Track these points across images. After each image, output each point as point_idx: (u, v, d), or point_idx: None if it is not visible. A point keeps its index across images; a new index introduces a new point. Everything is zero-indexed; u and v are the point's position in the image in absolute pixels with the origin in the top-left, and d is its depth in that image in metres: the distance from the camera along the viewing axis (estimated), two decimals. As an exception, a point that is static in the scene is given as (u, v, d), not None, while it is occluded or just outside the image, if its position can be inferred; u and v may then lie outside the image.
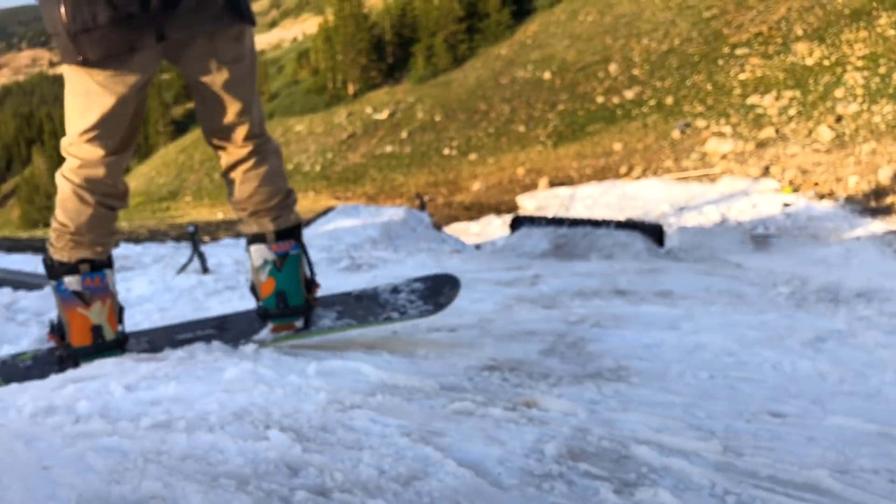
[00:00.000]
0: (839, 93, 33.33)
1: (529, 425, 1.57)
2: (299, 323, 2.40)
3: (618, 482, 1.28)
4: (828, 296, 4.33)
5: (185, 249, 10.59)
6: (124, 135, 2.08)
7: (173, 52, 2.05)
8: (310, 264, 2.42)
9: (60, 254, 2.15)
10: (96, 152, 2.05)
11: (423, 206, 21.94)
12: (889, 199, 22.50)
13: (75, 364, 2.13)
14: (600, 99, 45.88)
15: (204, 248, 5.58)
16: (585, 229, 9.13)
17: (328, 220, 15.76)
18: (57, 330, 2.22)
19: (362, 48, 62.45)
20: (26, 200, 79.98)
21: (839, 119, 31.03)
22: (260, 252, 2.31)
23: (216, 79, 2.08)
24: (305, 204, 45.21)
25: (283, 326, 2.39)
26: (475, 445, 1.36)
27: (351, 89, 63.17)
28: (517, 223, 9.68)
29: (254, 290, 2.40)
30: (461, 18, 60.67)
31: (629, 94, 44.64)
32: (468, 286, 4.95)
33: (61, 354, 2.20)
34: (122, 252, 9.04)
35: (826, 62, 37.19)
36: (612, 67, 48.57)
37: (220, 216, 42.58)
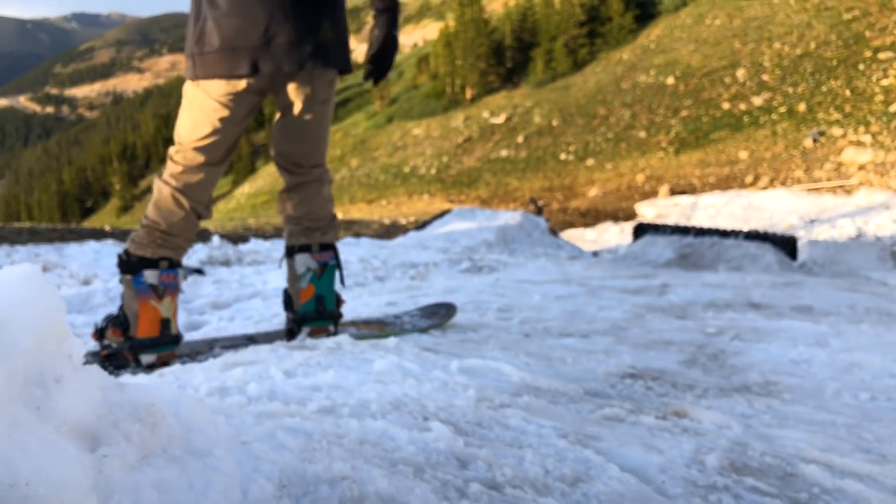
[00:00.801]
0: None
1: (685, 435, 1.52)
2: (332, 328, 2.56)
3: (788, 500, 1.21)
4: None
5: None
6: (225, 151, 2.36)
7: (274, 84, 2.36)
8: (342, 277, 2.63)
9: (144, 250, 2.31)
10: (199, 160, 2.32)
11: (539, 211, 21.79)
12: None
13: (136, 359, 2.29)
14: (726, 105, 44.10)
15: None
16: (713, 239, 8.77)
17: (444, 222, 15.92)
18: (121, 324, 2.33)
19: (482, 53, 62.81)
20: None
21: None
22: (304, 260, 2.53)
23: (305, 114, 2.40)
24: (420, 207, 45.92)
25: (319, 330, 2.53)
26: (634, 452, 1.33)
27: (469, 94, 63.68)
28: (640, 230, 9.43)
29: (288, 300, 2.61)
30: (582, 23, 59.92)
31: (757, 101, 42.67)
32: (594, 293, 4.88)
33: (112, 352, 2.33)
34: (252, 247, 9.48)
35: (983, 66, 34.25)
36: (740, 73, 46.58)
37: (339, 216, 44.00)
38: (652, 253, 8.92)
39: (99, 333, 2.38)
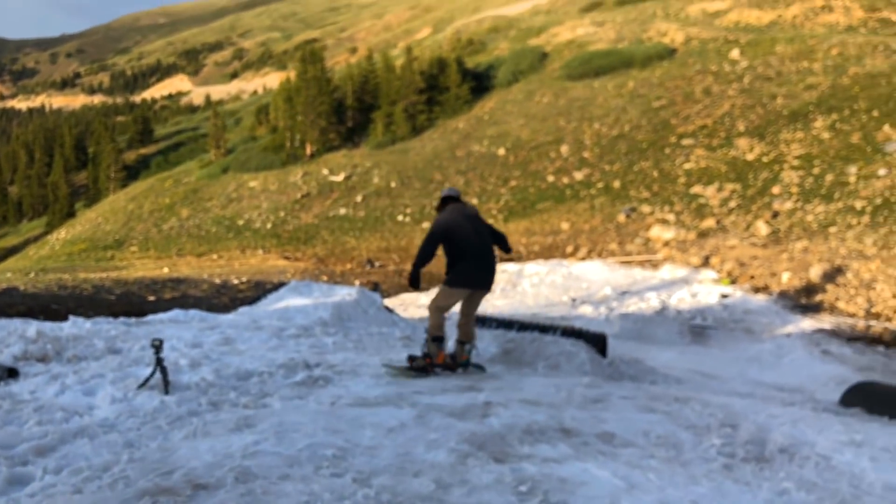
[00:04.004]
0: (776, 189, 35.02)
1: None
2: (461, 370, 7.09)
3: None
4: (754, 451, 4.70)
5: (135, 329, 10.56)
6: (447, 309, 7.01)
7: (468, 292, 7.09)
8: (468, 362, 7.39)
9: (434, 333, 6.96)
10: (443, 310, 7.00)
11: (375, 287, 22.15)
12: (818, 297, 23.57)
13: (433, 371, 6.98)
14: (551, 178, 47.20)
15: (159, 342, 5.50)
16: (533, 335, 9.55)
17: (279, 297, 15.77)
18: (426, 357, 6.97)
19: (323, 111, 63.09)
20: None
21: (775, 215, 32.52)
22: (463, 348, 7.21)
23: (477, 304, 7.21)
24: (253, 262, 44.90)
25: (467, 371, 7.19)
26: None
27: (309, 150, 63.60)
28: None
29: (454, 357, 7.19)
30: (422, 90, 62.14)
31: (579, 175, 46.06)
32: (423, 419, 5.20)
33: (423, 366, 6.88)
34: (72, 332, 8.94)
35: (765, 159, 39.15)
36: (564, 148, 50.16)
37: (165, 271, 41.94)
38: (479, 347, 9.42)
39: (411, 359, 6.94)
